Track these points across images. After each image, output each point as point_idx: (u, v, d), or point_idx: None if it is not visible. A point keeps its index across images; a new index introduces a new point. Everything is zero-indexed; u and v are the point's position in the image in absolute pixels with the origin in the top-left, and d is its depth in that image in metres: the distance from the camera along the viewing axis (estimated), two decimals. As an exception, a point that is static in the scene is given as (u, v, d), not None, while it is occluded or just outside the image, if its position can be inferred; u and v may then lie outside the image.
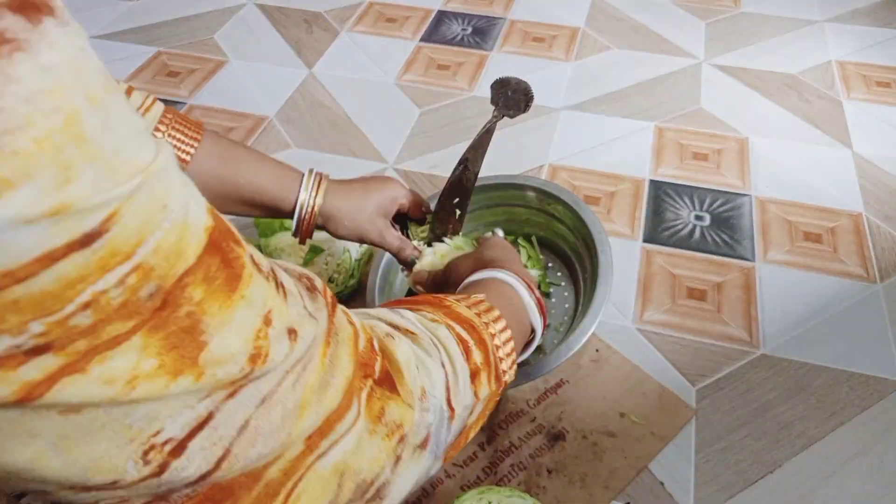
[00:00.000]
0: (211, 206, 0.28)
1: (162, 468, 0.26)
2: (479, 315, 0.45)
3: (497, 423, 0.78)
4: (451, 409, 0.39)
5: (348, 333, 0.34)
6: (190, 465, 0.26)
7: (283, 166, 0.69)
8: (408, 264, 0.73)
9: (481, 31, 1.46)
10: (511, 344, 0.48)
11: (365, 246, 0.90)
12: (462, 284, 0.57)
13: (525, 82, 0.82)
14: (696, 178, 1.10)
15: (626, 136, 1.19)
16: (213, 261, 0.26)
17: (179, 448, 0.26)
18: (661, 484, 0.73)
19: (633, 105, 1.26)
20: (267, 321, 0.28)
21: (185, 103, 1.26)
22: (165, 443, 0.26)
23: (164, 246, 0.24)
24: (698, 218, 1.04)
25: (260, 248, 0.84)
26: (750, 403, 0.80)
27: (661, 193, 1.08)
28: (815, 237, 1.01)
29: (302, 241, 0.70)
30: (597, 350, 0.84)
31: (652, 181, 1.10)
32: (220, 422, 0.27)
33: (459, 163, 0.75)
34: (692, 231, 1.01)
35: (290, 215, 0.68)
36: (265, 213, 0.69)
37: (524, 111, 0.81)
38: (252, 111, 1.24)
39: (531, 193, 0.87)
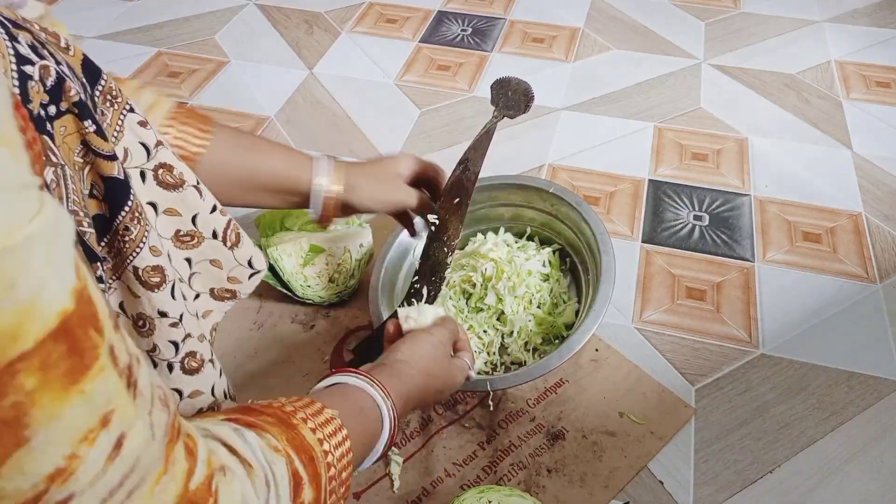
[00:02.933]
0: (84, 287, 0.25)
1: None
2: (321, 441, 0.43)
3: (497, 422, 0.78)
4: None
5: (183, 468, 0.31)
6: None
7: (295, 151, 0.70)
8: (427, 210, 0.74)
9: (481, 32, 1.46)
10: (349, 470, 0.45)
11: (365, 246, 0.90)
12: (332, 379, 0.53)
13: (525, 82, 0.82)
14: (695, 178, 1.11)
15: (626, 136, 1.19)
16: (56, 348, 0.23)
17: None
18: (661, 483, 0.73)
19: (633, 105, 1.26)
20: (104, 421, 0.25)
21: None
22: None
23: (0, 327, 0.21)
24: (698, 218, 1.04)
25: (260, 247, 0.84)
26: (749, 403, 0.81)
27: (660, 193, 1.08)
28: (814, 237, 1.01)
29: (324, 223, 0.71)
30: (596, 350, 0.84)
31: (651, 181, 1.10)
32: None
33: (459, 163, 0.75)
34: (692, 231, 1.02)
35: (304, 199, 0.69)
36: (281, 198, 0.70)
37: (524, 112, 0.81)
38: (252, 111, 1.24)
39: (534, 194, 0.87)
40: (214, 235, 0.56)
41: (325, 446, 0.43)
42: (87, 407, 0.25)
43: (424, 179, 0.76)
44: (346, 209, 0.71)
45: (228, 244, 0.57)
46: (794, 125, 1.21)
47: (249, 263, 0.59)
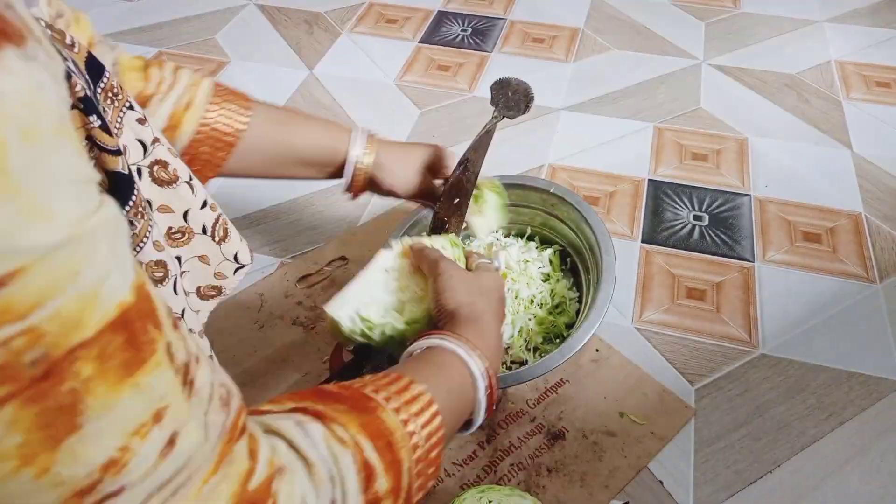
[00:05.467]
0: (143, 283, 0.26)
1: None
2: (406, 422, 0.40)
3: (497, 422, 0.78)
4: None
5: (242, 469, 0.30)
6: None
7: (332, 123, 0.72)
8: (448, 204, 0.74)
9: (481, 32, 1.46)
10: (439, 449, 0.43)
11: None
12: (423, 342, 0.50)
13: (525, 83, 0.82)
14: (695, 178, 1.11)
15: (626, 136, 1.19)
16: (114, 339, 0.24)
17: None
18: (661, 483, 0.73)
19: (633, 105, 1.26)
20: (157, 417, 0.26)
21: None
22: None
23: (63, 313, 0.22)
24: (697, 218, 1.04)
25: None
26: (749, 403, 0.81)
27: (660, 193, 1.08)
28: (814, 237, 1.01)
29: (354, 195, 0.73)
30: (597, 350, 0.84)
31: (651, 181, 1.10)
32: None
33: (459, 163, 0.75)
34: (691, 231, 1.02)
35: (339, 169, 0.71)
36: (317, 169, 0.71)
37: (524, 112, 0.81)
38: (252, 111, 1.24)
39: (535, 194, 0.87)
40: (204, 230, 0.56)
41: (411, 427, 0.41)
42: (140, 400, 0.25)
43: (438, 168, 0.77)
44: (374, 184, 0.73)
45: (216, 239, 0.57)
46: (794, 125, 1.21)
47: (235, 258, 0.60)
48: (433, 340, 0.50)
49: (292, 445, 0.35)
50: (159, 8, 1.52)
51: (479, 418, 0.50)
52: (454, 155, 0.76)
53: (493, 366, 0.51)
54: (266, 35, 1.45)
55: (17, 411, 0.21)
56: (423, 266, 0.60)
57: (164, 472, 0.26)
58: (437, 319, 0.55)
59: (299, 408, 0.39)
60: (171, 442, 0.26)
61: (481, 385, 0.49)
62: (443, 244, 0.64)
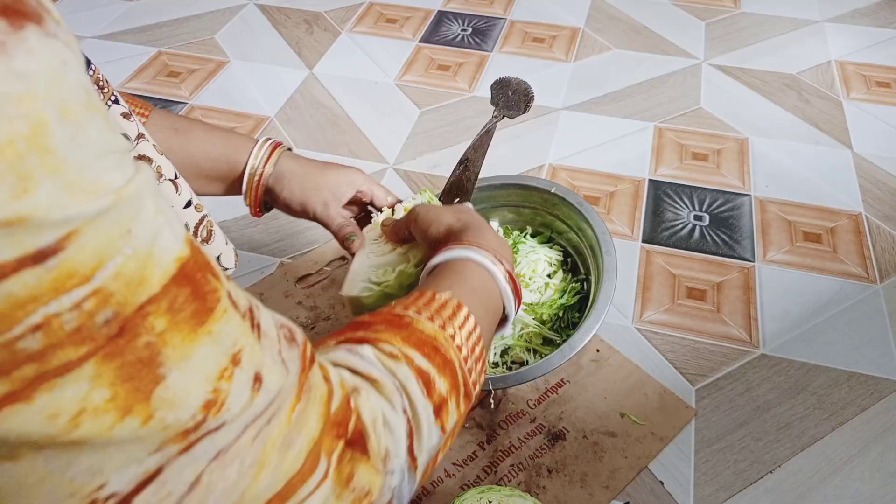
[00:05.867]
0: (192, 238, 0.27)
1: None
2: (443, 326, 0.42)
3: (497, 422, 0.78)
4: (414, 459, 0.37)
5: (322, 391, 0.32)
6: None
7: (236, 134, 0.67)
8: (346, 245, 0.68)
9: (481, 32, 1.46)
10: (481, 345, 0.45)
11: None
12: (432, 263, 0.52)
13: (525, 83, 0.82)
14: (695, 178, 1.11)
15: (626, 136, 1.19)
16: (180, 291, 0.25)
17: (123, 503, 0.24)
18: (661, 483, 0.73)
19: (633, 105, 1.26)
20: (235, 360, 0.27)
21: (185, 103, 1.26)
22: (108, 498, 0.24)
23: (125, 272, 0.23)
24: (698, 218, 1.04)
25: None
26: (749, 403, 0.81)
27: (660, 193, 1.08)
28: (814, 237, 1.01)
29: (253, 209, 0.68)
30: (597, 350, 0.84)
31: (652, 181, 1.10)
32: (169, 477, 0.25)
33: (459, 163, 0.75)
34: (692, 231, 1.01)
35: (241, 183, 0.66)
36: (219, 185, 0.66)
37: (524, 112, 0.81)
38: (253, 111, 1.24)
39: (535, 194, 0.87)
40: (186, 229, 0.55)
41: (450, 330, 0.42)
42: (216, 346, 0.26)
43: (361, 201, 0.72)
44: (270, 196, 0.67)
45: (199, 239, 0.56)
46: (795, 125, 1.21)
47: (217, 260, 0.58)
48: (438, 257, 0.51)
49: (353, 370, 0.37)
50: (159, 8, 1.52)
51: (512, 308, 0.51)
52: (374, 183, 0.71)
53: (503, 255, 0.52)
54: (266, 35, 1.45)
55: (98, 367, 0.22)
56: (402, 227, 0.61)
57: (258, 405, 0.28)
58: (436, 246, 0.56)
59: (342, 340, 0.40)
60: (258, 379, 0.28)
61: (500, 276, 0.50)
62: (422, 200, 0.67)
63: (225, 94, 1.28)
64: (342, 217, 0.68)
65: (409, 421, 0.37)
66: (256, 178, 0.65)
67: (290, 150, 0.69)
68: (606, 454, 0.75)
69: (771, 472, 0.75)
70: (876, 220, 1.03)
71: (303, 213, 0.67)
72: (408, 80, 1.32)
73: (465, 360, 0.42)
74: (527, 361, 0.79)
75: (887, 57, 1.38)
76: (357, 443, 0.34)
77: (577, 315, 0.81)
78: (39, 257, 0.20)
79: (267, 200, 0.68)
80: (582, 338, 0.70)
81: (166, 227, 0.25)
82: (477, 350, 0.44)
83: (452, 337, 0.42)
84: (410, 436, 0.37)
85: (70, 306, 0.21)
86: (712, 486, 0.73)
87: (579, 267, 0.86)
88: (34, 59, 0.21)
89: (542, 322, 0.81)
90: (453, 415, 0.41)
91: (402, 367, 0.38)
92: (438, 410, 0.39)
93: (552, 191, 0.84)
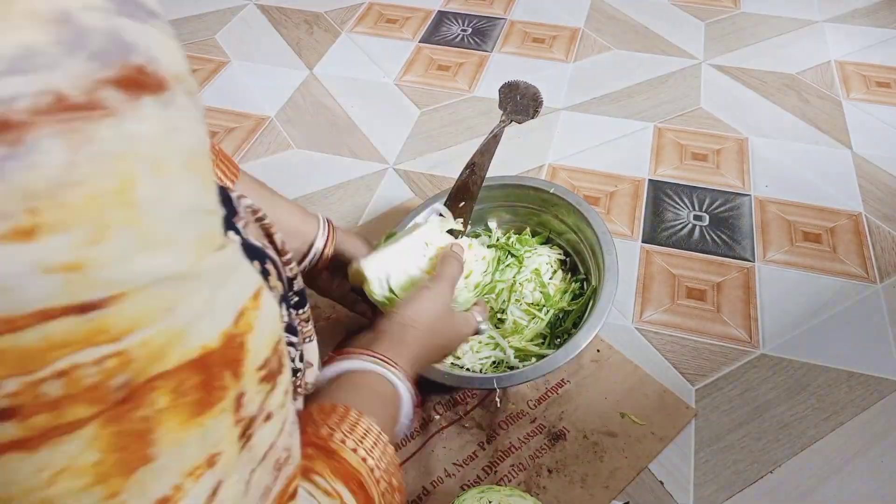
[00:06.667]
0: (240, 333, 0.27)
1: None
2: (364, 459, 0.44)
3: (497, 423, 0.78)
4: None
5: None
6: None
7: (300, 208, 0.73)
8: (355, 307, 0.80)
9: (481, 32, 1.46)
10: (399, 470, 0.48)
11: None
12: (340, 366, 0.55)
13: (534, 87, 0.81)
14: (695, 179, 1.11)
15: (626, 136, 1.19)
16: (191, 377, 0.25)
17: None
18: (661, 483, 0.73)
19: (633, 105, 1.26)
20: (210, 461, 0.27)
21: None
22: None
23: (151, 343, 0.23)
24: (698, 218, 1.04)
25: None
26: (749, 403, 0.81)
27: (660, 193, 1.08)
28: (814, 237, 1.01)
29: (313, 278, 0.74)
30: (598, 350, 0.84)
31: (651, 181, 1.10)
32: None
33: (467, 166, 0.75)
34: (692, 231, 1.02)
35: (302, 255, 0.72)
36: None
37: (533, 117, 0.80)
38: (253, 111, 1.24)
39: (535, 194, 0.87)
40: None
41: (370, 462, 0.44)
42: (201, 441, 0.26)
43: None
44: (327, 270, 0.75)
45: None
46: (794, 125, 1.21)
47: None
48: (345, 364, 0.55)
49: None
50: (159, 8, 1.52)
51: (407, 420, 0.55)
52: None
53: (411, 373, 0.57)
54: (266, 35, 1.45)
55: (99, 430, 0.23)
56: (438, 267, 0.66)
57: None
58: (383, 316, 0.61)
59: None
60: (215, 492, 0.27)
61: (404, 392, 0.54)
62: (480, 254, 0.73)
63: (225, 94, 1.28)
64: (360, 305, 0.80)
65: None
66: (320, 259, 0.73)
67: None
68: (607, 454, 0.75)
69: (771, 471, 0.75)
70: (876, 220, 1.03)
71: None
72: (408, 80, 1.32)
73: (384, 494, 0.44)
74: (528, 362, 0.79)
75: (887, 57, 1.38)
76: None
77: (577, 317, 0.81)
78: (84, 309, 0.21)
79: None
80: (584, 338, 0.71)
81: (208, 317, 0.26)
82: (395, 481, 0.47)
83: (373, 469, 0.44)
84: None
85: (94, 360, 0.22)
86: (712, 486, 0.73)
87: (578, 267, 0.86)
88: (144, 125, 0.22)
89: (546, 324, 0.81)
90: None
91: None
92: None
93: (551, 191, 0.85)
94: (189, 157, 0.24)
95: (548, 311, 0.81)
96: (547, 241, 0.90)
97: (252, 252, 0.39)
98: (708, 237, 1.01)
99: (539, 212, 0.88)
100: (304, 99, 1.27)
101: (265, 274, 0.40)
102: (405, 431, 0.56)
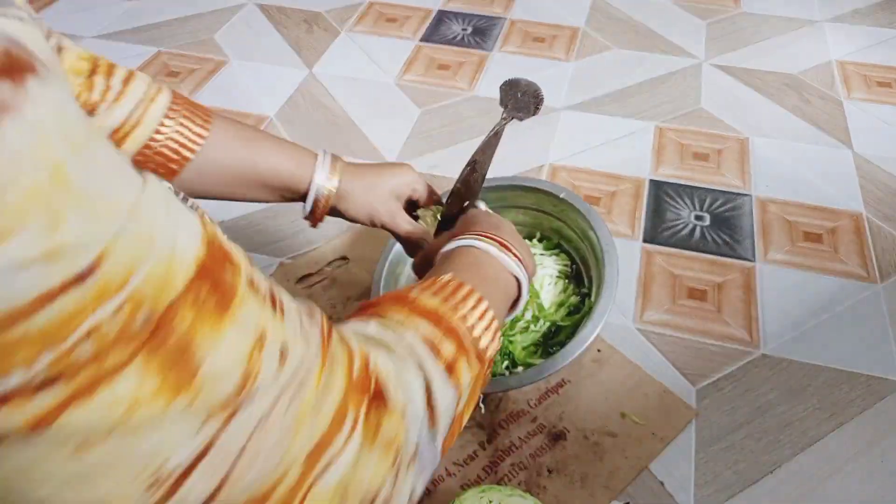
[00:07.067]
0: (214, 234, 0.30)
1: (167, 496, 0.27)
2: (445, 300, 0.45)
3: (497, 422, 0.78)
4: (432, 414, 0.40)
5: (343, 357, 0.36)
6: (192, 492, 0.28)
7: (298, 146, 0.69)
8: (417, 251, 0.71)
9: (481, 31, 1.46)
10: (489, 314, 0.47)
11: None
12: (436, 263, 0.55)
13: (535, 84, 0.81)
14: (696, 178, 1.10)
15: (626, 136, 1.19)
16: (202, 286, 0.27)
17: (183, 476, 0.27)
18: (662, 484, 0.73)
19: (633, 105, 1.26)
20: (261, 339, 0.30)
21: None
22: (170, 473, 0.27)
23: (153, 276, 0.25)
24: (698, 218, 1.04)
25: None
26: (750, 403, 0.80)
27: (661, 193, 1.08)
28: (815, 237, 1.01)
29: (314, 224, 0.70)
30: (598, 350, 0.84)
31: (652, 181, 1.10)
32: (220, 447, 0.28)
33: (468, 164, 0.75)
34: (692, 231, 1.01)
35: (300, 196, 0.68)
36: (280, 194, 0.69)
37: (534, 114, 0.80)
38: (252, 111, 1.24)
39: (545, 198, 0.85)
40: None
41: (450, 303, 0.45)
42: (241, 328, 0.29)
43: (414, 199, 0.74)
44: (335, 212, 0.70)
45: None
46: (795, 125, 1.21)
47: None
48: (443, 249, 0.55)
49: (366, 337, 0.40)
50: (159, 8, 1.52)
51: (524, 279, 0.54)
52: (423, 181, 0.73)
53: (512, 243, 0.55)
54: (266, 35, 1.45)
55: (144, 362, 0.25)
56: (432, 252, 0.63)
57: (287, 374, 0.31)
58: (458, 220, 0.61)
59: (352, 316, 0.44)
60: (283, 352, 0.31)
61: (503, 257, 0.53)
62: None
63: (225, 93, 1.28)
64: (409, 224, 0.71)
65: (422, 378, 0.40)
66: (323, 200, 0.68)
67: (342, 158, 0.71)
68: (607, 454, 0.75)
69: (771, 472, 0.75)
70: (876, 220, 1.03)
71: (369, 222, 0.71)
72: (408, 79, 1.32)
73: (472, 328, 0.45)
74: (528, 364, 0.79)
75: (887, 57, 1.37)
76: (378, 397, 0.37)
77: (570, 332, 0.79)
78: (80, 278, 0.23)
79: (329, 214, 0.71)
80: (582, 342, 0.70)
81: (180, 229, 0.27)
82: (485, 319, 0.46)
83: (455, 308, 0.45)
84: (427, 390, 0.40)
85: (111, 313, 0.24)
86: (713, 487, 0.73)
87: (583, 277, 0.85)
88: (39, 107, 0.23)
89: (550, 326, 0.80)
90: (466, 374, 0.43)
91: (409, 333, 0.42)
92: (450, 370, 0.42)
93: (562, 196, 0.83)
94: (85, 125, 0.25)
95: (543, 324, 0.80)
96: (557, 247, 0.88)
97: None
98: (709, 237, 1.00)
99: (550, 217, 0.87)
100: (303, 98, 1.27)
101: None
102: (524, 296, 0.55)
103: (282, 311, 0.32)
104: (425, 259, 0.62)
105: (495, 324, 0.47)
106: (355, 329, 0.41)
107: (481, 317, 0.46)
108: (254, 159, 0.65)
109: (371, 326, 0.42)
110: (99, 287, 0.24)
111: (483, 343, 0.45)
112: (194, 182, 0.64)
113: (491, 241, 0.54)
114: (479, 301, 0.46)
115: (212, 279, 0.28)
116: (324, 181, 0.67)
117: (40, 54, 0.25)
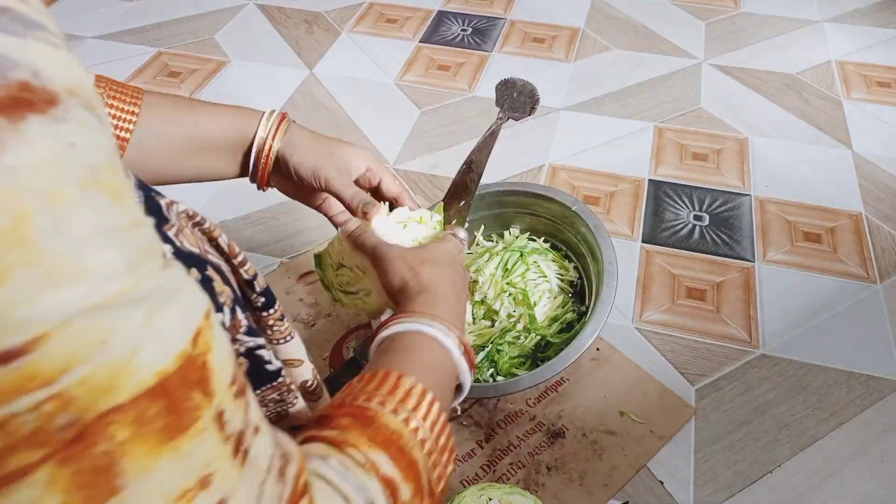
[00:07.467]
0: (198, 354, 0.26)
1: None
2: (407, 421, 0.41)
3: (497, 421, 0.78)
4: None
5: None
6: None
7: (242, 108, 0.66)
8: (363, 213, 0.66)
9: (481, 32, 1.46)
10: (446, 432, 0.44)
11: None
12: (384, 333, 0.51)
13: (531, 84, 0.81)
14: (695, 178, 1.11)
15: (626, 136, 1.19)
16: (152, 405, 0.24)
17: None
18: (661, 483, 0.73)
19: (633, 105, 1.26)
20: (203, 483, 0.26)
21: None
22: None
23: (93, 379, 0.22)
24: (698, 218, 1.04)
25: (323, 283, 0.72)
26: (749, 403, 0.81)
27: (660, 193, 1.08)
28: (814, 237, 1.01)
29: (261, 185, 0.67)
30: (597, 349, 0.84)
31: (652, 181, 1.10)
32: None
33: (464, 164, 0.75)
34: (692, 231, 1.01)
35: (249, 157, 0.64)
36: (229, 158, 0.65)
37: (530, 114, 0.80)
38: (252, 111, 1.24)
39: (556, 206, 0.84)
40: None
41: (413, 423, 0.41)
42: (182, 465, 0.25)
43: (367, 185, 0.69)
44: (280, 166, 0.65)
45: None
46: (795, 125, 1.21)
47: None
48: (393, 328, 0.50)
49: (331, 485, 0.36)
50: (159, 8, 1.52)
51: (467, 381, 0.51)
52: (383, 166, 0.69)
53: (456, 324, 0.52)
54: (266, 35, 1.45)
55: (54, 472, 0.22)
56: (364, 253, 0.61)
57: None
58: (392, 301, 0.57)
59: (310, 437, 0.39)
60: None
61: (455, 350, 0.50)
62: (410, 217, 0.67)
63: (225, 94, 1.28)
64: (353, 188, 0.65)
65: None
66: (267, 147, 0.63)
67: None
68: (606, 452, 0.75)
69: (770, 471, 0.75)
70: (876, 220, 1.03)
71: (313, 179, 0.65)
72: (408, 80, 1.33)
73: (430, 453, 0.41)
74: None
75: (887, 57, 1.38)
76: None
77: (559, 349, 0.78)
78: (6, 358, 0.20)
79: (275, 171, 0.66)
80: (582, 344, 0.69)
81: (153, 341, 0.24)
82: (442, 439, 0.43)
83: (416, 430, 0.41)
84: None
85: (29, 408, 0.21)
86: (712, 486, 0.73)
87: (580, 271, 0.84)
88: (28, 151, 0.21)
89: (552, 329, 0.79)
90: None
91: (372, 482, 0.37)
92: None
93: (573, 208, 0.82)
94: (89, 174, 0.23)
95: (533, 338, 0.78)
96: (566, 259, 0.87)
97: (188, 260, 0.36)
98: (708, 237, 1.01)
99: (560, 226, 0.86)
100: (303, 99, 1.27)
101: (208, 281, 0.37)
102: (467, 386, 0.51)
103: (244, 458, 0.28)
104: (360, 246, 0.61)
105: (451, 443, 0.44)
106: (317, 467, 0.36)
107: (438, 437, 0.43)
108: (196, 120, 0.62)
109: (331, 469, 0.36)
110: (24, 374, 0.21)
111: (437, 472, 0.42)
112: (139, 164, 0.60)
113: (454, 337, 0.50)
114: (439, 416, 0.43)
115: (169, 400, 0.25)
116: (271, 129, 0.64)
117: (69, 83, 0.23)
